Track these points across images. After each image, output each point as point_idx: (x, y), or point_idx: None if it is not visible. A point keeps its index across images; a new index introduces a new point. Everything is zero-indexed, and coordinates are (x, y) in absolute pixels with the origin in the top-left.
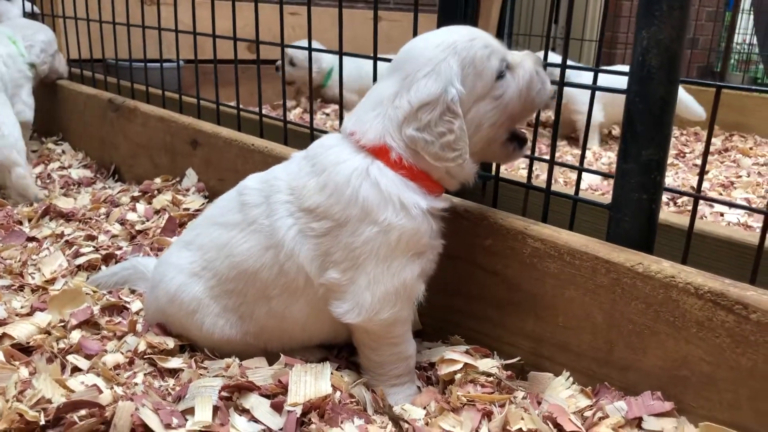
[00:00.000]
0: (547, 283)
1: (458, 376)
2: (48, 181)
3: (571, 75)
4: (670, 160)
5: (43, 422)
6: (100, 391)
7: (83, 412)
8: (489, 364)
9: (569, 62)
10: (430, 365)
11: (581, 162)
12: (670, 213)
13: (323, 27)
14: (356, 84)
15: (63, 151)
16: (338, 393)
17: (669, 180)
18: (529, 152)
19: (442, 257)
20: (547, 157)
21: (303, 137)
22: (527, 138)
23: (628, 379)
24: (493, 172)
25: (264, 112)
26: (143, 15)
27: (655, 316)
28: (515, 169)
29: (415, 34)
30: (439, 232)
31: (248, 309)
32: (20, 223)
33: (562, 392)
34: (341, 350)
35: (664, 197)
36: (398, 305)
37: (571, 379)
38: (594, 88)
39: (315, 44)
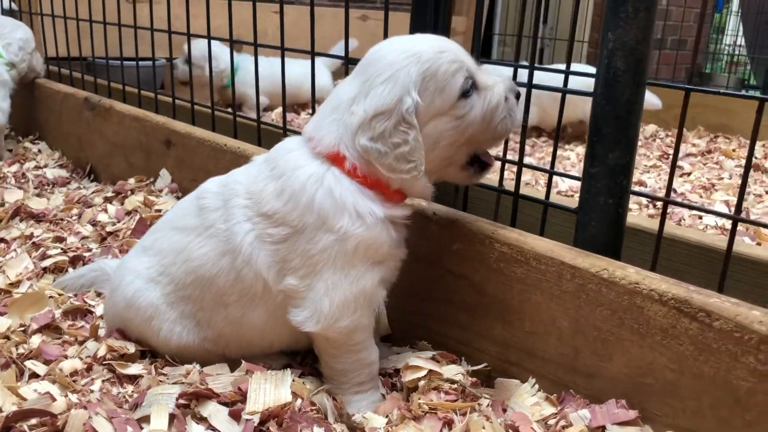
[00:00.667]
0: (514, 288)
1: (422, 383)
2: (23, 180)
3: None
4: (652, 162)
5: None
6: (54, 399)
7: (34, 421)
8: (454, 371)
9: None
10: (395, 371)
11: (552, 165)
12: (641, 217)
13: (305, 26)
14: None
15: (39, 151)
16: (299, 401)
17: (651, 182)
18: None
19: (410, 260)
20: (536, 161)
21: (278, 138)
22: (492, 163)
23: (594, 386)
24: None
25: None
26: (119, 13)
27: (619, 323)
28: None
29: (385, 35)
30: (401, 240)
31: (205, 315)
32: None
33: (528, 399)
34: (306, 357)
35: (643, 201)
36: (358, 312)
37: (537, 386)
38: (564, 90)
39: (216, 44)
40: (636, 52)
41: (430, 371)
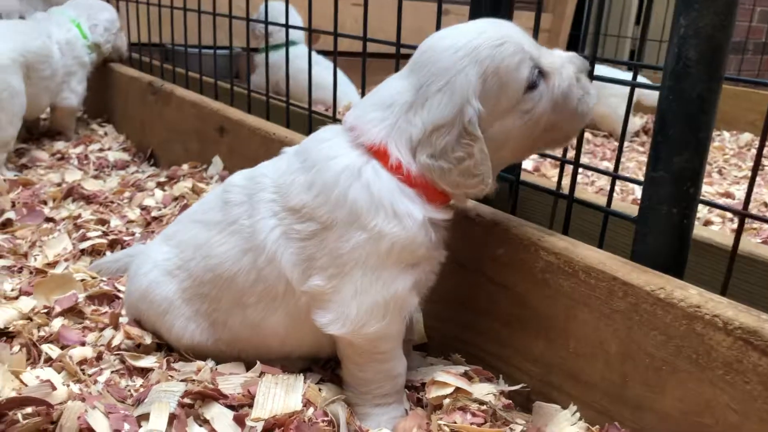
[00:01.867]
0: (559, 303)
1: (447, 401)
2: (85, 162)
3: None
4: (744, 173)
5: None
6: (54, 388)
7: (29, 409)
8: (485, 390)
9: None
10: (422, 385)
11: (616, 167)
12: (713, 231)
13: (387, 18)
14: None
15: (105, 133)
16: (311, 410)
17: (740, 194)
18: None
19: (450, 264)
20: (597, 162)
21: None
22: None
23: (642, 420)
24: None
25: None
26: (199, 1)
27: (676, 351)
28: (545, 172)
29: (438, 26)
30: (441, 242)
31: (221, 316)
32: (45, 203)
33: (567, 428)
34: (329, 360)
35: (728, 215)
36: (387, 319)
37: (578, 414)
38: (630, 84)
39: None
40: (713, 40)
41: (458, 389)
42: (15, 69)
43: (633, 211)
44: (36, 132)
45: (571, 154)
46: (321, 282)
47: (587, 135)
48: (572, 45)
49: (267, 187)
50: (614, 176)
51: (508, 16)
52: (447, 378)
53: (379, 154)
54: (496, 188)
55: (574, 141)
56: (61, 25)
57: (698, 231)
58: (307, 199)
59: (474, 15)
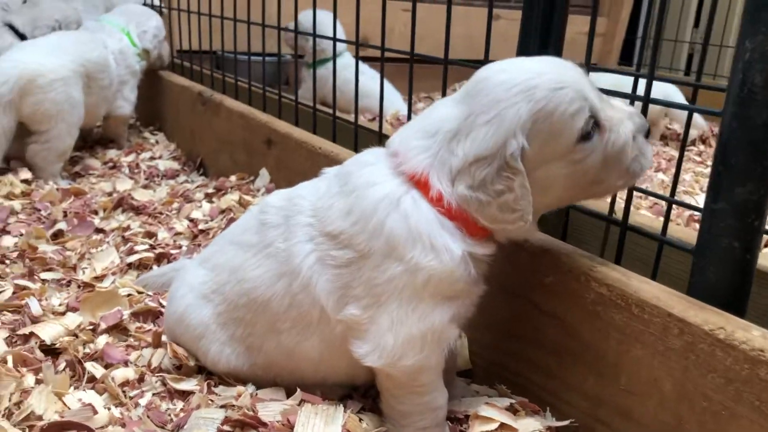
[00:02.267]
0: (611, 337)
1: None
2: (136, 171)
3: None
4: None
5: None
6: (95, 412)
7: None
8: (531, 426)
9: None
10: (465, 417)
11: (672, 191)
12: None
13: (436, 25)
14: None
15: (157, 142)
16: None
17: None
18: None
19: (496, 290)
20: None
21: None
22: None
23: None
24: None
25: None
26: (249, 9)
27: (736, 396)
28: None
29: (487, 45)
30: (481, 276)
31: (256, 341)
32: (95, 213)
33: None
34: (369, 389)
35: None
36: (425, 351)
37: None
38: (691, 108)
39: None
40: None
41: (502, 425)
42: (76, 80)
43: (690, 236)
44: (90, 140)
45: None
46: (356, 311)
47: None
48: (627, 49)
49: (304, 210)
50: (670, 201)
51: (561, 20)
52: (491, 413)
53: (420, 184)
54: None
55: None
56: (113, 34)
57: (761, 260)
58: (345, 226)
59: (527, 20)
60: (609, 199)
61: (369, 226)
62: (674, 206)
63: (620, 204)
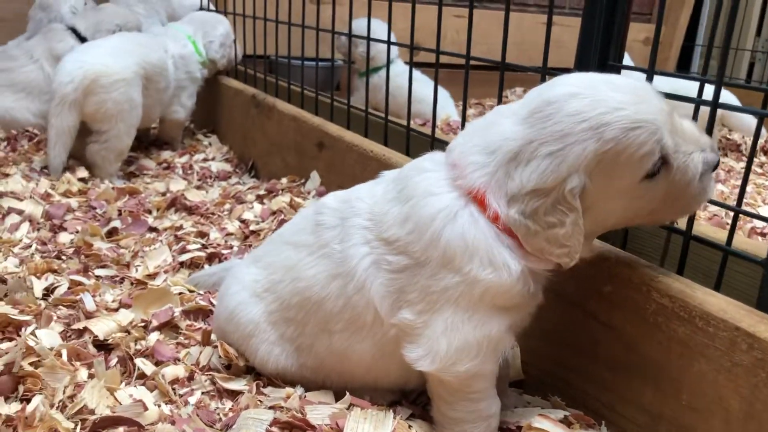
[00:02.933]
0: (672, 350)
1: None
2: (189, 172)
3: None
4: None
5: None
6: (146, 408)
7: (121, 429)
8: None
9: None
10: (518, 429)
11: (739, 201)
12: None
13: (489, 31)
14: None
15: (210, 144)
16: None
17: None
18: None
19: (551, 299)
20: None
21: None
22: None
23: None
24: None
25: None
26: (303, 14)
27: None
28: None
29: (546, 53)
30: (540, 289)
31: (307, 341)
32: (149, 212)
33: None
34: (420, 395)
35: None
36: (479, 358)
37: None
38: (759, 113)
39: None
40: None
41: None
42: (137, 82)
43: (757, 248)
44: (146, 141)
45: None
46: (411, 316)
47: None
48: (684, 56)
49: (361, 213)
50: (737, 211)
51: (623, 27)
52: (545, 424)
53: (477, 199)
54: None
55: None
56: (178, 40)
57: None
58: (401, 233)
59: (586, 28)
60: None
61: (426, 236)
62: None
63: None
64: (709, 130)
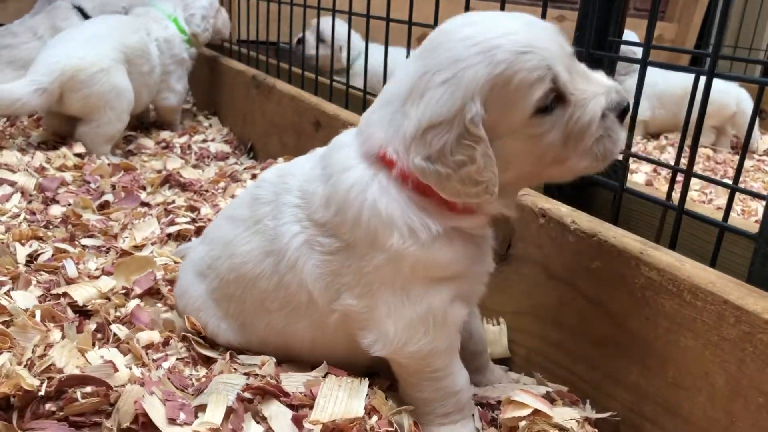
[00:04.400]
0: (659, 326)
1: (523, 423)
2: (188, 152)
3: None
4: None
5: (43, 393)
6: (116, 370)
7: (89, 389)
8: (567, 415)
9: None
10: (498, 404)
11: (736, 179)
12: None
13: None
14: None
15: (210, 125)
16: (374, 418)
17: None
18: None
19: (539, 275)
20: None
21: None
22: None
23: None
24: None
25: None
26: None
27: None
28: (658, 186)
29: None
30: (483, 253)
31: (248, 319)
32: (143, 188)
33: None
34: None
35: None
36: (429, 335)
37: None
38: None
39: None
40: None
41: (536, 411)
42: (117, 67)
43: (752, 227)
44: (146, 121)
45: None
46: (352, 301)
47: (707, 151)
48: (697, 58)
49: (292, 190)
50: (733, 188)
51: (620, 21)
52: (525, 398)
53: (384, 161)
54: (514, 207)
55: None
56: (159, 20)
57: None
58: (328, 216)
59: (582, 23)
60: (667, 185)
61: (348, 216)
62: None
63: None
64: (705, 97)
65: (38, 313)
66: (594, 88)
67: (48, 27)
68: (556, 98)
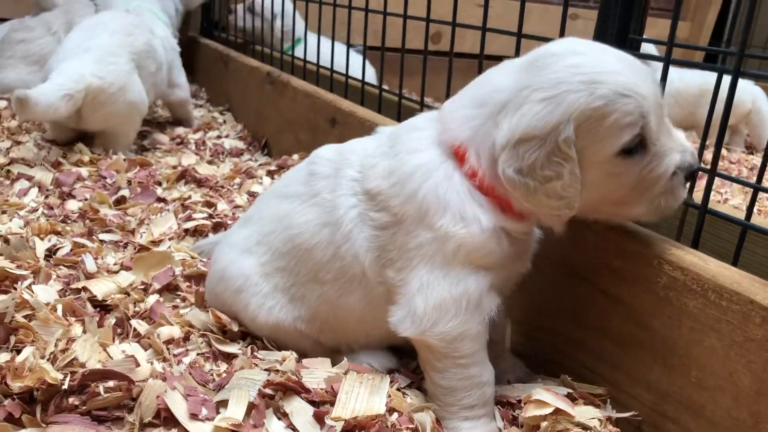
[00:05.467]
0: (683, 325)
1: (545, 423)
2: (202, 148)
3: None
4: None
5: (66, 387)
6: (138, 364)
7: (111, 383)
8: (589, 414)
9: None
10: (518, 402)
11: (759, 178)
12: None
13: (510, 22)
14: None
15: (224, 121)
16: (395, 415)
17: None
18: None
19: (557, 271)
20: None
21: None
22: None
23: None
24: None
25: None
26: None
27: None
28: None
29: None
30: (523, 253)
31: (299, 291)
32: (159, 184)
33: None
34: (418, 365)
35: None
36: (460, 317)
37: None
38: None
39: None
40: None
41: (558, 410)
42: (133, 79)
43: None
44: (161, 119)
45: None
46: (392, 273)
47: (721, 150)
48: (710, 57)
49: (353, 164)
50: (756, 188)
51: (641, 19)
52: (547, 397)
53: (458, 155)
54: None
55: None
56: (153, 20)
57: None
58: (384, 186)
59: (602, 21)
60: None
61: (405, 190)
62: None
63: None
64: (729, 102)
65: (59, 308)
66: (672, 145)
67: (63, 22)
68: (640, 143)
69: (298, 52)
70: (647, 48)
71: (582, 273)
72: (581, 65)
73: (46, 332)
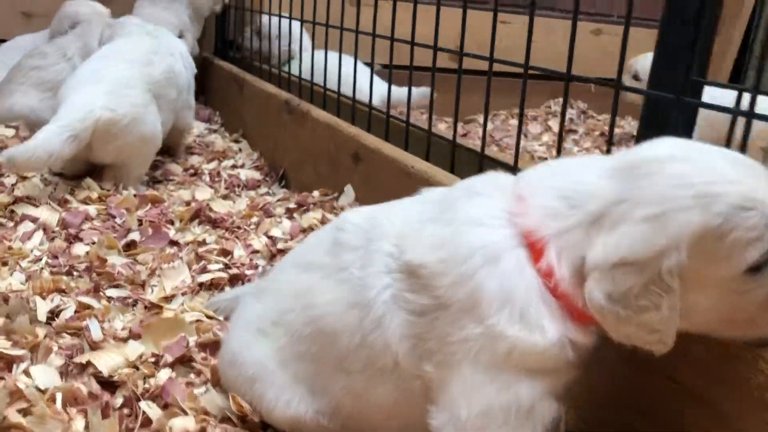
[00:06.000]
0: None
1: None
2: (216, 179)
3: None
4: None
5: None
6: None
7: None
8: None
9: None
10: None
11: None
12: None
13: (535, 38)
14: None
15: (240, 150)
16: None
17: None
18: None
19: (625, 366)
20: None
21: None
22: None
23: None
24: None
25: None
26: (342, 16)
27: None
28: None
29: (622, 56)
30: (580, 361)
31: (321, 381)
32: (171, 222)
33: None
34: None
35: None
36: (510, 426)
37: None
38: None
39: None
40: None
41: None
42: (148, 110)
43: None
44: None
45: None
46: (429, 368)
47: None
48: (736, 72)
49: (388, 236)
50: None
51: (709, 39)
52: None
53: (532, 247)
54: None
55: None
56: (171, 38)
57: None
58: (431, 259)
59: (668, 38)
60: None
61: (456, 270)
62: None
63: None
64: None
65: (59, 397)
66: None
67: (79, 46)
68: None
69: (296, 66)
70: None
71: (654, 362)
72: (689, 175)
73: (43, 430)
